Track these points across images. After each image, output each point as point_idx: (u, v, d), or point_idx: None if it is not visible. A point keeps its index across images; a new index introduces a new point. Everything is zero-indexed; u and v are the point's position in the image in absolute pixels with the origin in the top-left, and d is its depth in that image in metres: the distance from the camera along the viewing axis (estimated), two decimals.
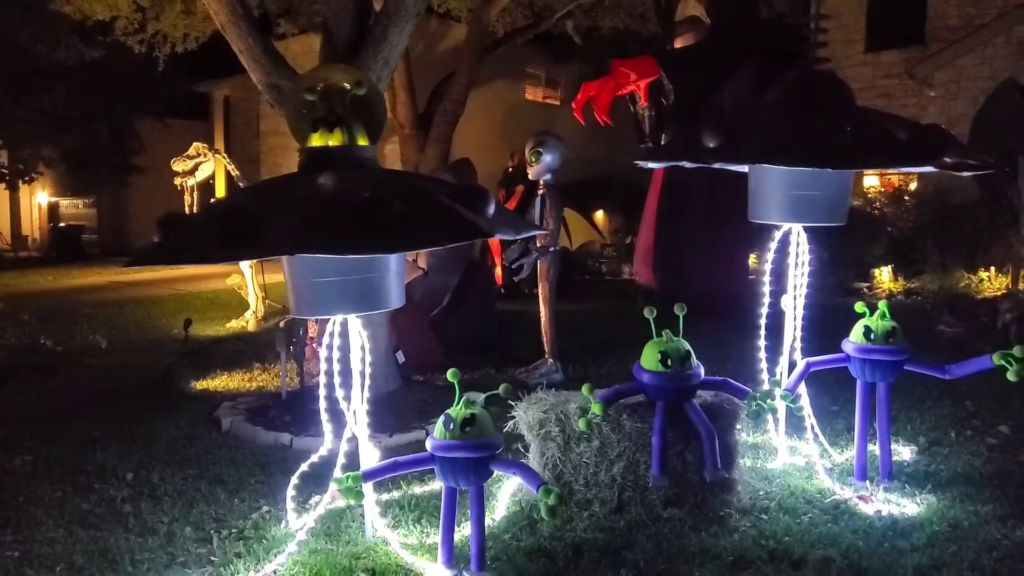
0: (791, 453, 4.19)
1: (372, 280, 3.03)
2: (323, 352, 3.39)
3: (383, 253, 2.76)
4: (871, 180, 12.54)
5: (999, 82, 11.01)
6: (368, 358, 3.38)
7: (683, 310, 3.54)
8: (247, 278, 11.14)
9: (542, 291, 6.34)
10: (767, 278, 4.07)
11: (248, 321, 10.25)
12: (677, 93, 8.96)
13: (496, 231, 2.73)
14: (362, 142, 3.16)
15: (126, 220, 24.53)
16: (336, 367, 3.38)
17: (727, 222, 9.41)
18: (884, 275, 10.19)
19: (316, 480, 3.67)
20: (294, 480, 3.59)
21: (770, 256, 4.03)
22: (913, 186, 11.97)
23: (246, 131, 24.06)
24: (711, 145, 3.51)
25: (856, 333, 3.83)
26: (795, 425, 4.28)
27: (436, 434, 3.05)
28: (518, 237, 3.12)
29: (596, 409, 3.41)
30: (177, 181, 10.23)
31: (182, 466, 4.44)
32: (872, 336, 3.75)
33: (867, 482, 3.79)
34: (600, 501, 3.56)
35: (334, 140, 3.12)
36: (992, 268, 9.45)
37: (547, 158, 6.12)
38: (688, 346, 3.55)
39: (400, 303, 3.17)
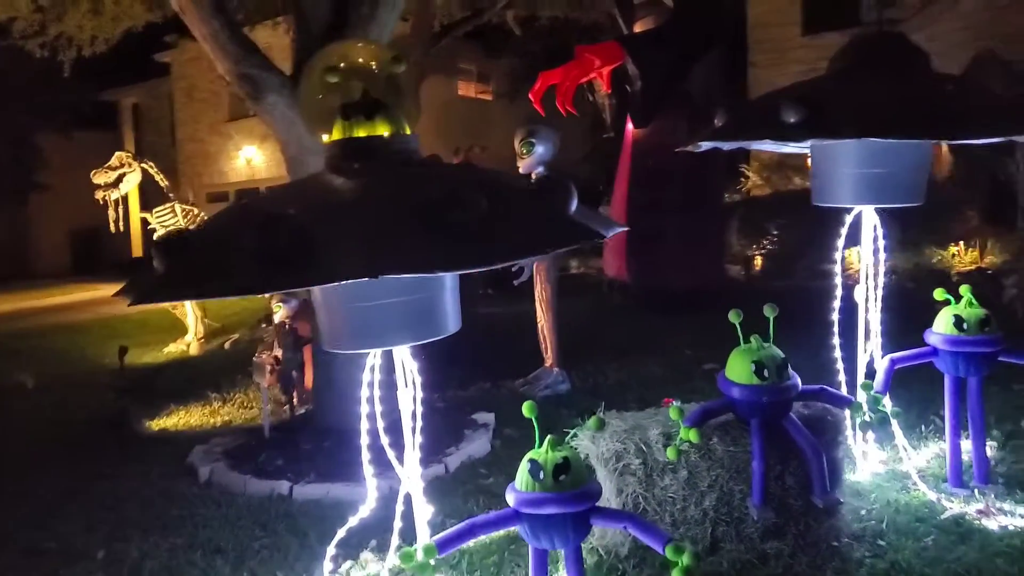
0: (864, 459, 3.79)
1: (430, 301, 2.44)
2: (364, 392, 2.77)
3: (481, 267, 2.17)
4: None
5: (947, 59, 11.08)
6: (419, 394, 2.79)
7: (775, 311, 3.07)
8: None
9: (543, 294, 5.80)
10: (838, 267, 3.65)
11: (189, 345, 9.37)
12: (644, 78, 8.56)
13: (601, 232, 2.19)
14: (407, 130, 2.56)
15: (26, 242, 22.73)
16: (376, 407, 2.77)
17: (703, 209, 9.26)
18: (855, 255, 10.06)
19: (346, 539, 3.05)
20: (331, 550, 2.95)
21: (841, 242, 3.62)
22: None
23: (159, 141, 22.61)
24: (791, 120, 3.04)
25: (944, 323, 3.44)
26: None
27: (520, 485, 2.48)
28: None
29: (691, 436, 2.90)
30: (99, 195, 9.22)
31: (165, 533, 3.70)
32: (965, 326, 3.37)
33: (974, 491, 3.41)
34: (691, 540, 3.05)
35: (369, 130, 2.51)
36: (961, 243, 9.47)
37: (539, 149, 5.60)
38: (782, 353, 3.07)
39: (458, 326, 2.59)
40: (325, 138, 2.58)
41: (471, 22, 13.17)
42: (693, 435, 2.90)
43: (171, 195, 9.97)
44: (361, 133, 2.51)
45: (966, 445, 3.60)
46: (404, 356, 2.72)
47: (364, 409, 2.77)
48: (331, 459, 4.24)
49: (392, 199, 2.16)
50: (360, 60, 2.69)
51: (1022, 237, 9.13)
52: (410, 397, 2.76)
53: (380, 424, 2.80)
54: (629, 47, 8.59)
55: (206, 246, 2.17)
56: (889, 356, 3.53)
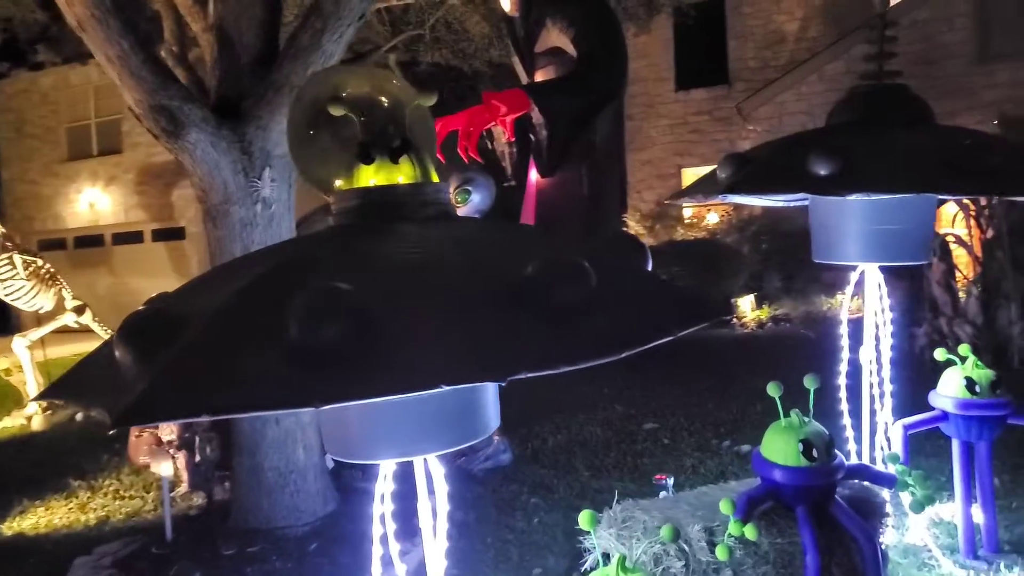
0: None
1: (477, 394, 1.93)
2: (376, 507, 2.18)
3: (607, 359, 1.68)
4: (713, 216, 12.89)
5: (815, 116, 11.78)
6: (443, 505, 2.23)
7: (816, 383, 2.76)
8: (24, 360, 8.85)
9: None
10: (844, 328, 3.45)
11: (31, 418, 8.02)
12: (551, 127, 8.38)
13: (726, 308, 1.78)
14: (435, 177, 2.06)
15: None
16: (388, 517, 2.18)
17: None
18: (746, 304, 10.30)
19: None
20: None
21: (845, 301, 3.42)
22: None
23: None
24: (823, 173, 2.81)
25: (954, 386, 3.30)
26: None
27: None
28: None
29: (749, 533, 2.51)
30: None
31: None
32: (978, 388, 3.24)
33: (993, 562, 3.25)
34: None
35: (388, 176, 1.99)
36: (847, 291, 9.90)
37: (476, 198, 5.21)
38: (825, 429, 2.77)
39: (498, 422, 2.08)
40: (338, 184, 2.03)
41: (353, 64, 12.63)
42: (750, 532, 2.52)
43: (9, 244, 8.68)
44: (381, 179, 1.99)
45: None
46: (431, 462, 2.16)
47: (377, 530, 2.17)
48: (265, 571, 3.51)
49: (466, 271, 1.65)
50: (373, 88, 2.17)
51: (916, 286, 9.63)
52: (432, 510, 2.20)
53: (394, 549, 2.21)
54: (535, 95, 8.40)
55: (206, 334, 1.55)
56: (900, 423, 3.34)
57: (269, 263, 1.79)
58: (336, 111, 2.07)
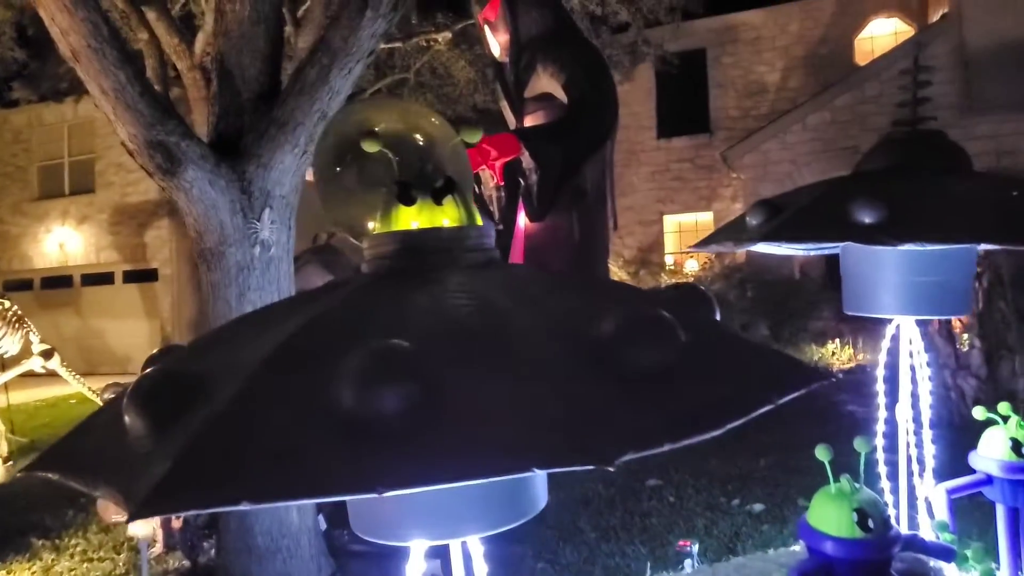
0: None
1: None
2: None
3: (709, 434, 1.47)
4: (692, 263, 12.86)
5: (799, 165, 11.86)
6: None
7: (867, 447, 2.57)
8: None
9: None
10: (881, 386, 3.27)
11: None
12: (541, 171, 8.27)
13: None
14: (479, 220, 1.86)
15: None
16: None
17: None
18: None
19: None
20: None
21: (882, 357, 3.25)
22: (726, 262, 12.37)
23: None
24: (867, 221, 2.66)
25: (997, 447, 3.12)
26: None
27: None
28: None
29: None
30: None
31: None
32: None
33: None
34: None
35: (430, 218, 1.78)
36: (837, 340, 9.83)
37: None
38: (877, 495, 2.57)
39: (545, 500, 1.85)
40: (371, 226, 1.82)
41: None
42: None
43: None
44: (423, 221, 1.78)
45: None
46: (471, 542, 1.92)
47: None
48: None
49: (535, 328, 1.43)
50: (407, 124, 1.98)
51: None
52: None
53: None
54: (526, 140, 8.31)
55: (238, 401, 1.32)
56: (942, 487, 3.15)
57: (303, 316, 1.56)
58: (370, 147, 1.87)
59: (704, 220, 14.94)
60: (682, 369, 1.37)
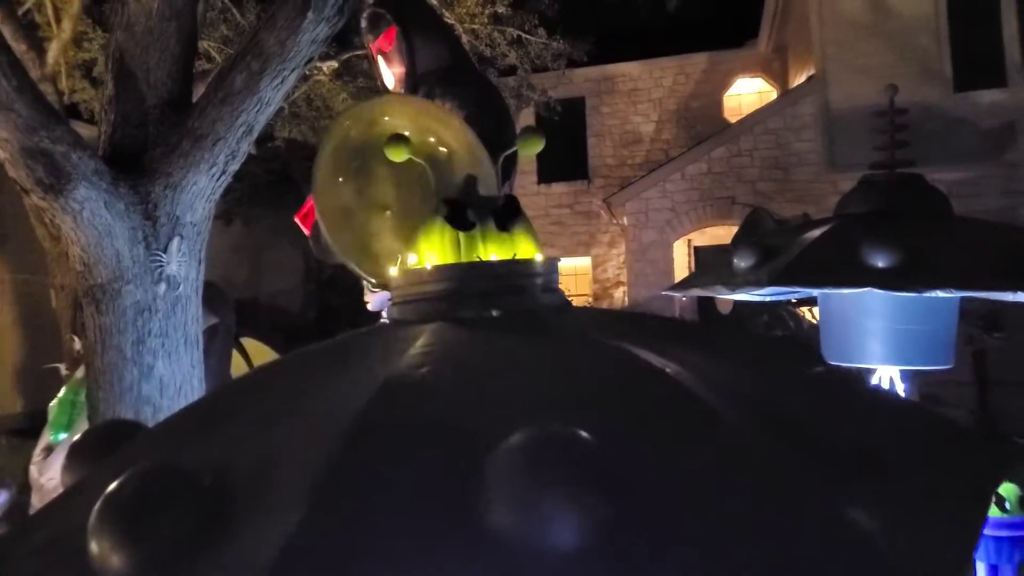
0: None
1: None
2: None
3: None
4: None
5: (679, 213, 12.17)
6: None
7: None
8: None
9: None
10: None
11: None
12: None
13: None
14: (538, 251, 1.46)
15: None
16: None
17: None
18: None
19: None
20: None
21: None
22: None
23: None
24: (880, 265, 2.49)
25: None
26: None
27: None
28: None
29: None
30: None
31: None
32: (1007, 505, 2.98)
33: None
34: None
35: (495, 249, 1.37)
36: None
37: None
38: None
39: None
40: (414, 262, 1.38)
41: None
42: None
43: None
44: (475, 254, 1.36)
45: None
46: None
47: None
48: None
49: (678, 395, 1.06)
50: (443, 127, 1.56)
51: None
52: None
53: None
54: None
55: (310, 511, 0.85)
56: None
57: (365, 379, 1.07)
58: (396, 155, 1.45)
59: (583, 265, 15.03)
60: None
